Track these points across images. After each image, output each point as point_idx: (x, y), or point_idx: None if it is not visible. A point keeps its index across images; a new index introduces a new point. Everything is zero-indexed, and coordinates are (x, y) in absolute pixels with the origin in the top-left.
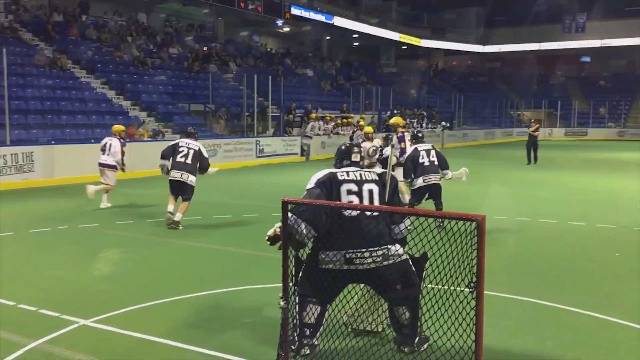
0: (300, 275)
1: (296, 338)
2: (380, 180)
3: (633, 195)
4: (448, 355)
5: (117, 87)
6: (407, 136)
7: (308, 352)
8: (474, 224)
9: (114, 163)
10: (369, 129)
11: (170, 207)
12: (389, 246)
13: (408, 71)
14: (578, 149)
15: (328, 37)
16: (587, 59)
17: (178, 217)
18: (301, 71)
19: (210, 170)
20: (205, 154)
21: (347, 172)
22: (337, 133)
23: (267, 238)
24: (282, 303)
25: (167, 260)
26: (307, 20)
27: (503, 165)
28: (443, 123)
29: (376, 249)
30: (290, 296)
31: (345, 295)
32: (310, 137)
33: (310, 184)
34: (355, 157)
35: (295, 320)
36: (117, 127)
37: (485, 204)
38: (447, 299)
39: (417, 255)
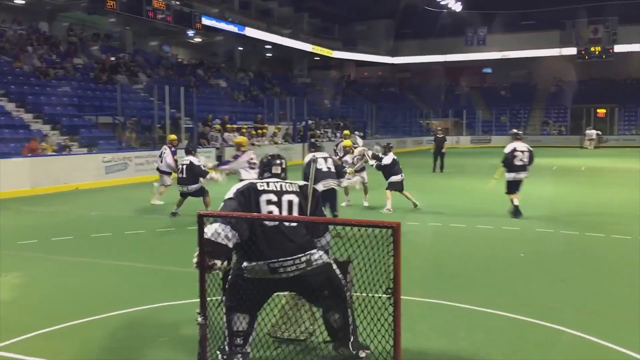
0: (226, 285)
1: (226, 348)
2: (302, 192)
3: (534, 198)
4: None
5: (17, 99)
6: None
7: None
8: (389, 230)
9: (166, 169)
10: (347, 142)
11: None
12: (312, 251)
13: (321, 82)
14: (483, 155)
15: (241, 48)
16: (489, 70)
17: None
18: (214, 82)
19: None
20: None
21: (267, 183)
22: (252, 144)
23: (194, 265)
24: (199, 319)
25: (78, 279)
26: (219, 31)
27: (414, 172)
28: (356, 132)
29: (299, 256)
30: (211, 310)
31: (269, 303)
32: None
33: (229, 194)
34: (276, 170)
35: (224, 331)
36: (170, 137)
37: (398, 211)
38: (367, 306)
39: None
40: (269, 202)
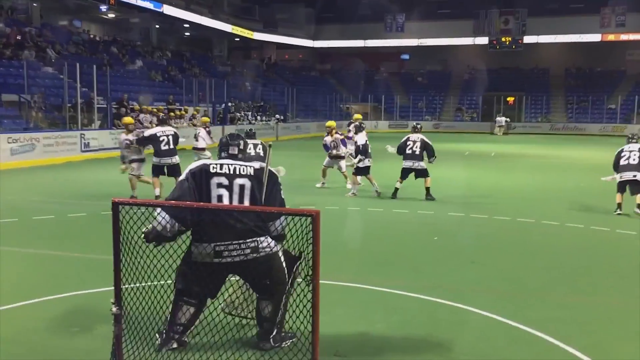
0: (176, 270)
1: (164, 331)
2: (256, 176)
3: (446, 182)
4: (286, 346)
5: None
6: None
7: (175, 346)
8: (309, 219)
9: (202, 145)
10: (331, 123)
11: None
12: (260, 238)
13: (241, 64)
14: (400, 140)
15: (158, 26)
16: (407, 57)
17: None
18: (129, 61)
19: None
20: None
21: (221, 165)
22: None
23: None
24: (114, 309)
25: None
26: (134, 7)
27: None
28: (277, 116)
29: (247, 241)
30: (127, 299)
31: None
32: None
33: (183, 175)
34: (233, 150)
35: (167, 315)
36: (204, 119)
37: (321, 196)
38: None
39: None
40: (220, 185)
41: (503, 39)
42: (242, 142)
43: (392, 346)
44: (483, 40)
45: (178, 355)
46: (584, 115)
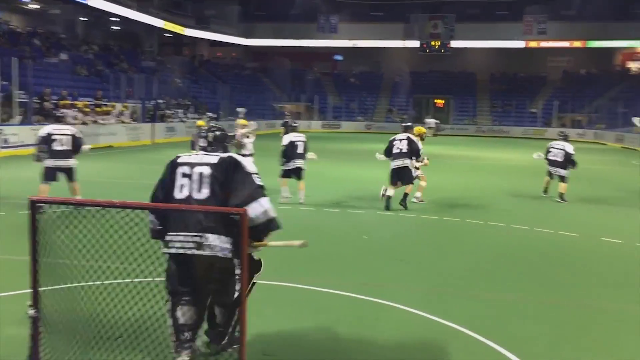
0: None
1: (174, 340)
2: (218, 165)
3: (376, 182)
4: (214, 348)
5: None
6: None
7: (187, 358)
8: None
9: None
10: (242, 121)
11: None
12: (206, 235)
13: (172, 60)
14: (333, 140)
15: (84, 19)
16: (340, 58)
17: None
18: (53, 54)
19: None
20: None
21: (190, 155)
22: (96, 122)
23: None
24: (31, 311)
25: None
26: None
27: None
28: (209, 114)
29: (191, 234)
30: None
31: None
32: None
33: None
34: (203, 143)
35: (170, 325)
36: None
37: None
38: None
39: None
40: (183, 174)
41: (432, 43)
42: (211, 135)
43: (320, 344)
44: (414, 43)
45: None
46: (508, 119)
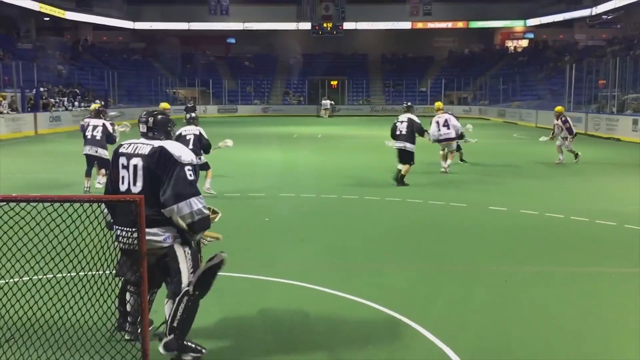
0: None
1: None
2: (151, 156)
3: (276, 165)
4: (114, 341)
5: None
6: None
7: (128, 337)
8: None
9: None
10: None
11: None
12: (148, 229)
13: (53, 45)
14: (229, 124)
15: None
16: (233, 41)
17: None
18: None
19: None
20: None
21: (130, 144)
22: None
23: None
24: None
25: None
26: None
27: None
28: (97, 101)
29: (132, 230)
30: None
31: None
32: None
33: None
34: (142, 129)
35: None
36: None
37: None
38: (110, 285)
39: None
40: (123, 166)
41: (325, 25)
42: (151, 120)
43: (225, 328)
44: (306, 25)
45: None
46: (400, 98)
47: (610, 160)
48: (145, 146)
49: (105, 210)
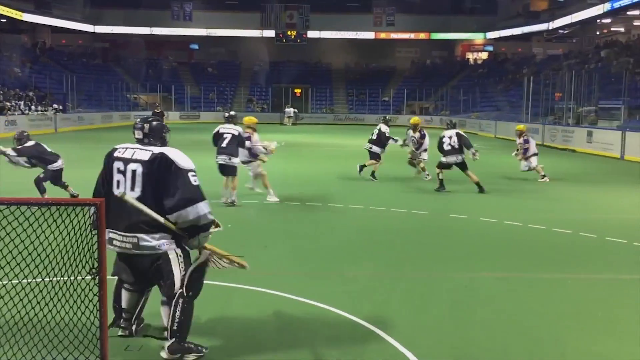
0: None
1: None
2: (150, 162)
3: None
4: (72, 347)
5: None
6: None
7: (121, 333)
8: (92, 208)
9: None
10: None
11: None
12: (142, 235)
13: (9, 47)
14: (192, 131)
15: None
16: (196, 47)
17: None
18: None
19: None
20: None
21: (126, 148)
22: None
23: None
24: None
25: None
26: None
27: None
28: (55, 106)
29: (127, 235)
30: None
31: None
32: None
33: None
34: (138, 134)
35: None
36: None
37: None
38: (68, 289)
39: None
40: (119, 170)
41: (289, 33)
42: (146, 126)
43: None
44: (270, 33)
45: None
46: (363, 107)
47: (567, 170)
48: (143, 152)
49: (92, 210)
